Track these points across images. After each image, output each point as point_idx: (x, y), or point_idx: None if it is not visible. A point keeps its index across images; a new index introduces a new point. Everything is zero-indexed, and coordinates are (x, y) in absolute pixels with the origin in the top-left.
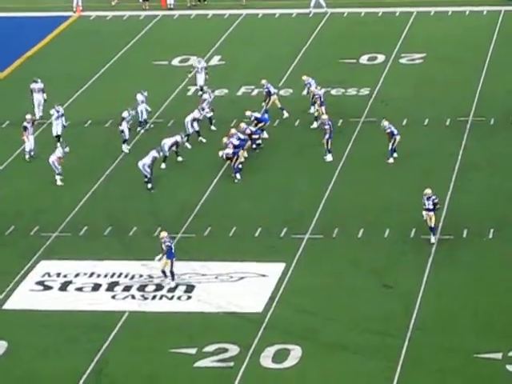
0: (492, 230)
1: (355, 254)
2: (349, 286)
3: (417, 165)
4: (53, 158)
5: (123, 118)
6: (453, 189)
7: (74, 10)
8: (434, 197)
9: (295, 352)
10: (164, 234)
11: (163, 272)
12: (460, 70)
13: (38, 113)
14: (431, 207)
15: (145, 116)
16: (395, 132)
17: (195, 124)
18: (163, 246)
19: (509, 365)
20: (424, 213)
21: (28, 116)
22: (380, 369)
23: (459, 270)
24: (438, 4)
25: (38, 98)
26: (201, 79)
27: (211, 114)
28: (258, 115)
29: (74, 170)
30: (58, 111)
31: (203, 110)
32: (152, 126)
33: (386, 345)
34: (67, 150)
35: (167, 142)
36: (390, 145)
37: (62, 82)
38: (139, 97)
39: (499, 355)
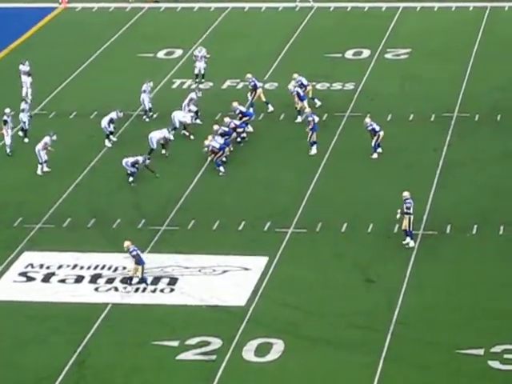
0: (475, 226)
1: (338, 249)
2: (332, 280)
3: (401, 160)
4: (39, 146)
5: (111, 119)
6: (436, 184)
7: (60, 1)
8: (408, 200)
9: (278, 346)
10: (127, 243)
11: (130, 278)
12: (445, 65)
13: (28, 95)
14: (411, 211)
15: (150, 105)
16: (377, 129)
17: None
18: (131, 256)
19: (491, 361)
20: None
21: (7, 110)
22: (362, 363)
23: (442, 265)
24: (423, 0)
25: (25, 79)
26: (200, 67)
27: (196, 108)
28: (244, 109)
29: (58, 162)
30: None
31: (189, 111)
32: (136, 118)
33: (369, 339)
34: (54, 138)
35: (155, 136)
36: (374, 141)
37: (47, 74)
38: (144, 86)
39: (481, 351)
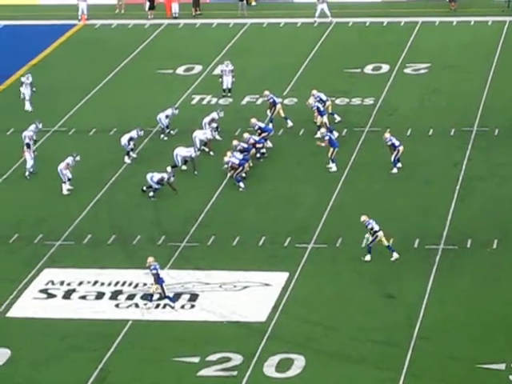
0: (496, 241)
1: (359, 264)
2: (352, 295)
3: (421, 175)
4: (61, 166)
5: (131, 138)
6: (457, 199)
7: (79, 18)
8: (368, 222)
9: (298, 361)
10: (150, 259)
11: (151, 295)
12: (465, 80)
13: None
14: (377, 228)
15: (167, 123)
16: (397, 144)
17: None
18: (150, 273)
19: None
20: (368, 236)
21: (30, 133)
22: (383, 379)
23: (463, 279)
24: (442, 14)
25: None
26: (228, 82)
27: (216, 124)
28: (262, 125)
29: (77, 179)
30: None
31: (216, 130)
32: (155, 135)
33: (389, 355)
34: (78, 158)
35: (181, 153)
36: (393, 156)
37: (67, 90)
38: (169, 111)
39: (502, 366)
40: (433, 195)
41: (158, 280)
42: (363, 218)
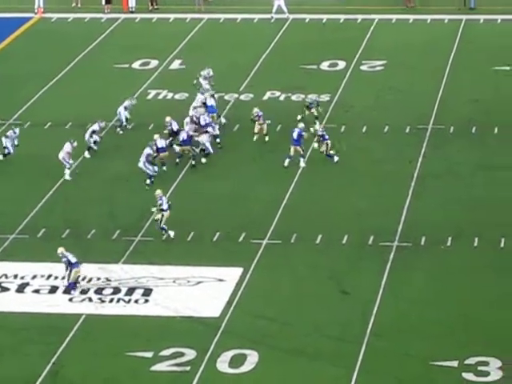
0: (450, 238)
1: (313, 260)
2: (307, 291)
3: (376, 172)
4: (62, 155)
5: (93, 131)
6: (411, 196)
7: (36, 11)
8: (160, 198)
9: (252, 357)
10: (60, 249)
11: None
12: (420, 77)
13: None
14: (165, 207)
15: (126, 116)
16: (326, 137)
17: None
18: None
19: (465, 373)
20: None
21: None
22: (337, 375)
23: (417, 277)
24: (399, 12)
25: None
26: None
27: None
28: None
29: (32, 172)
30: (14, 132)
31: (218, 121)
32: (111, 129)
33: (343, 351)
34: (75, 144)
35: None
36: (325, 150)
37: (23, 83)
38: (126, 102)
39: (455, 363)
40: (387, 192)
41: (73, 265)
42: (158, 192)
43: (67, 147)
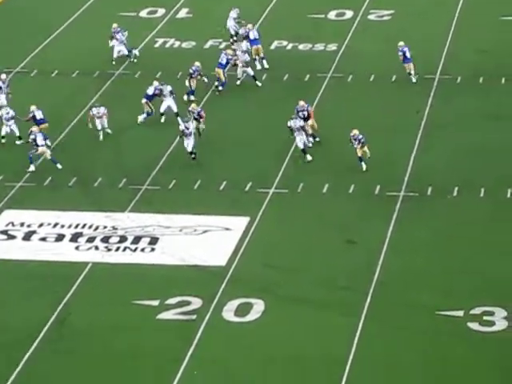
0: (456, 188)
1: (320, 209)
2: (313, 240)
3: (382, 122)
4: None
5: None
6: (418, 146)
7: None
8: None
9: (258, 306)
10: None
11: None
12: (428, 27)
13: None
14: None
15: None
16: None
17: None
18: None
19: (470, 322)
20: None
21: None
22: (342, 324)
23: (423, 227)
24: None
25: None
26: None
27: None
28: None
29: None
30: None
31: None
32: (118, 77)
33: (349, 300)
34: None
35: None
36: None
37: (30, 31)
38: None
39: (461, 313)
40: (394, 142)
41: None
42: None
43: (93, 111)
